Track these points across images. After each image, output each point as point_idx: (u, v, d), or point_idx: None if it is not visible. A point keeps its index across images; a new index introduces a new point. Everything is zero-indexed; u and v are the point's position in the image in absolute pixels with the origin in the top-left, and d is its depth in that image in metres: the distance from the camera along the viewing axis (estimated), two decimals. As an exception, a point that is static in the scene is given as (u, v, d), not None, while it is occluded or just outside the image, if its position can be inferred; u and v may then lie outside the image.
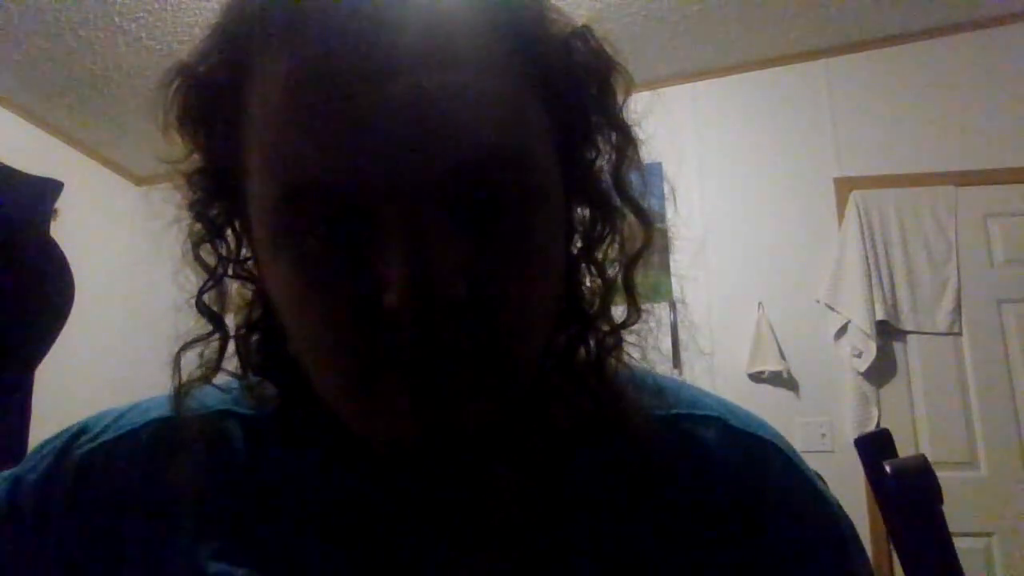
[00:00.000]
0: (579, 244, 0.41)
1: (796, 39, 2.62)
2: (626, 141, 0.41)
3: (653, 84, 2.73)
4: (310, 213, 0.32)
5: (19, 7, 2.12)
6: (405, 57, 0.31)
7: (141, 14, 2.20)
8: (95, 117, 2.76)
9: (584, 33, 0.39)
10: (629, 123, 0.41)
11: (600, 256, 0.41)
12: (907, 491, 0.42)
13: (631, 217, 0.41)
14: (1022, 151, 2.49)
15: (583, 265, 0.41)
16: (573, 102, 0.38)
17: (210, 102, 0.37)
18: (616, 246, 0.41)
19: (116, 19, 2.21)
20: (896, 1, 2.43)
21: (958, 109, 2.57)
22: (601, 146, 0.40)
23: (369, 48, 0.31)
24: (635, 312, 0.41)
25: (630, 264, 0.41)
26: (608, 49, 0.40)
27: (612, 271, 0.41)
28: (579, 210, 0.41)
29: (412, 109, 0.30)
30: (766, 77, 2.74)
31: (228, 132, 0.36)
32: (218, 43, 0.36)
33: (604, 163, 0.41)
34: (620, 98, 0.40)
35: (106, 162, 3.09)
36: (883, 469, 0.44)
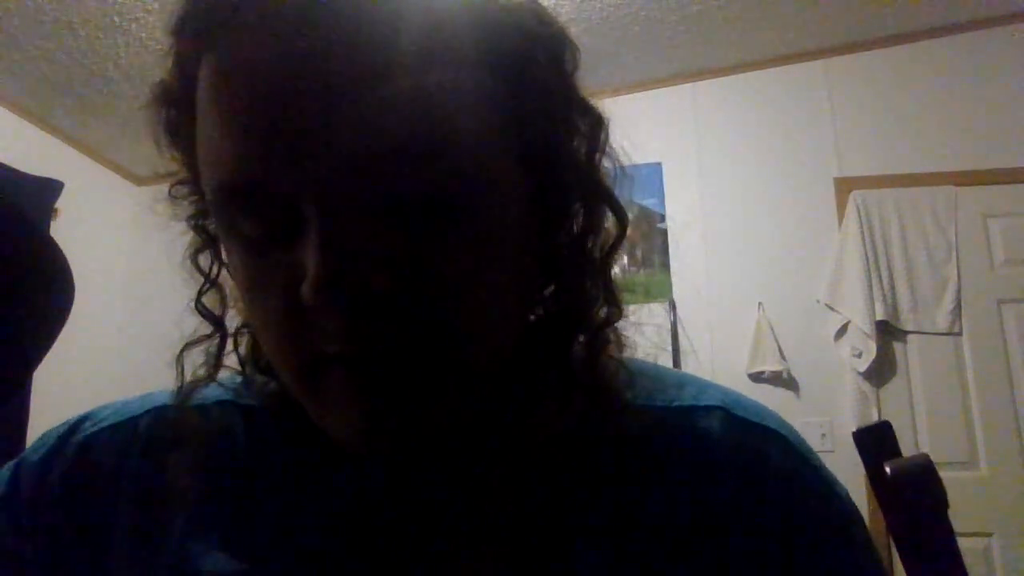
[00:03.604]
0: (559, 238, 0.40)
1: (796, 39, 2.62)
2: (594, 124, 0.40)
3: (653, 84, 2.73)
4: (242, 211, 0.33)
5: (19, 7, 2.12)
6: (324, 53, 0.30)
7: (141, 14, 2.20)
8: (95, 117, 2.76)
9: (534, 9, 0.38)
10: (590, 102, 0.40)
11: (582, 250, 0.40)
12: (910, 497, 0.41)
13: (606, 209, 0.40)
14: (1022, 151, 2.49)
15: (566, 260, 0.40)
16: (526, 84, 0.36)
17: (176, 113, 0.38)
18: (594, 239, 0.40)
19: (116, 19, 2.21)
20: (896, 1, 2.43)
21: (958, 109, 2.57)
22: (568, 131, 0.39)
23: (287, 44, 0.30)
24: (615, 308, 0.41)
25: (605, 258, 0.41)
26: (557, 23, 0.39)
27: (594, 265, 0.41)
28: (554, 202, 0.39)
29: (327, 104, 0.30)
30: (766, 77, 2.74)
31: (189, 140, 0.36)
32: (173, 56, 0.37)
33: (575, 150, 0.40)
34: (572, 65, 0.39)
35: (106, 162, 3.08)
36: (883, 469, 0.42)
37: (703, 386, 0.45)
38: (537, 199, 0.38)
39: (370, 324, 0.31)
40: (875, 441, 0.44)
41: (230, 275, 0.41)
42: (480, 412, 0.40)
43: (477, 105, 0.34)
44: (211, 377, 0.43)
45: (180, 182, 0.41)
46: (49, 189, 2.57)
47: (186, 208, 0.42)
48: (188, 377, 0.43)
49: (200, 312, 0.43)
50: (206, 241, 0.42)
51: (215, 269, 0.43)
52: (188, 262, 0.43)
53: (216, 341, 0.43)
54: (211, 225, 0.42)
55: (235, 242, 0.34)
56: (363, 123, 0.30)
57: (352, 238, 0.31)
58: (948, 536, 0.40)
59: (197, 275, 0.43)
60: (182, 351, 0.43)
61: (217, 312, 0.43)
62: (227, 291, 0.43)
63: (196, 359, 0.43)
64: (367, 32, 0.31)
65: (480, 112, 0.34)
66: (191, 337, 0.43)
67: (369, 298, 0.31)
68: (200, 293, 0.43)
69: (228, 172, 0.32)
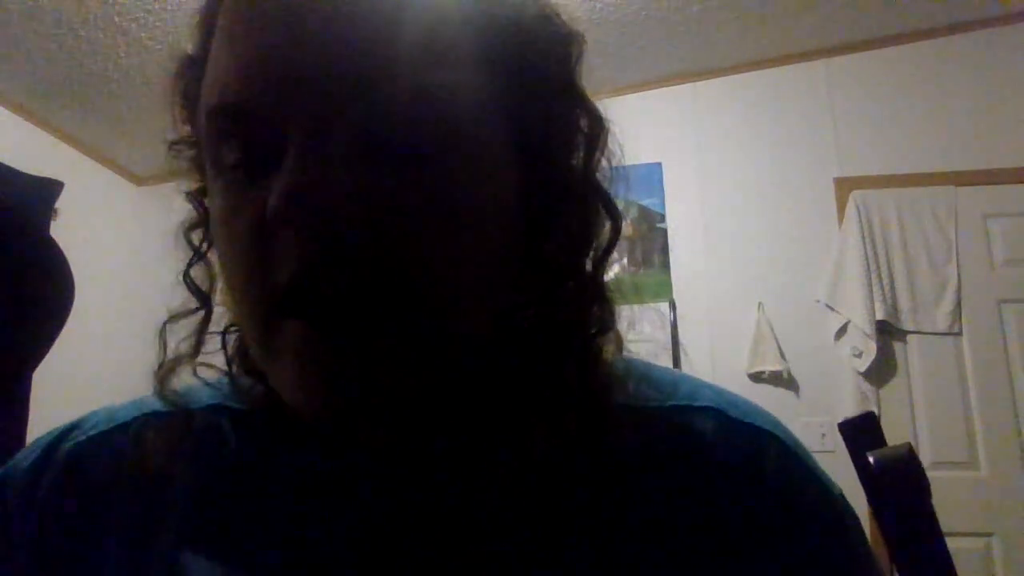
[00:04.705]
0: (551, 235, 0.40)
1: (796, 39, 2.62)
2: (594, 122, 0.40)
3: (653, 84, 2.73)
4: (230, 136, 0.33)
5: (19, 7, 2.12)
6: None
7: (141, 14, 2.20)
8: (95, 117, 2.76)
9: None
10: (592, 100, 0.40)
11: (575, 251, 0.40)
12: (893, 484, 0.41)
13: (601, 209, 0.40)
14: (1022, 151, 2.49)
15: (559, 260, 0.40)
16: (525, 60, 0.37)
17: (191, 75, 0.39)
18: (587, 239, 0.40)
19: (116, 19, 2.21)
20: (896, 1, 2.43)
21: (958, 109, 2.57)
22: (566, 123, 0.39)
23: None
24: (609, 314, 0.41)
25: (599, 260, 0.40)
26: (565, 17, 0.39)
27: (587, 268, 0.40)
28: (546, 193, 0.39)
29: (326, 33, 0.31)
30: (766, 77, 2.74)
31: (199, 99, 0.37)
32: (197, 20, 0.38)
33: (573, 143, 0.40)
34: (575, 62, 0.40)
35: (106, 162, 3.08)
36: (867, 459, 0.43)
37: (697, 386, 0.45)
38: (529, 185, 0.38)
39: (328, 253, 0.31)
40: (860, 432, 0.44)
41: (210, 226, 0.40)
42: (460, 403, 0.39)
43: (471, 67, 0.35)
44: (194, 354, 0.42)
45: (182, 141, 0.42)
46: (49, 189, 2.57)
47: (185, 187, 0.43)
48: (171, 354, 0.43)
49: (187, 285, 0.43)
50: (201, 217, 0.43)
51: (205, 246, 0.43)
52: (180, 236, 0.44)
53: (200, 318, 0.43)
54: (207, 201, 0.41)
55: (219, 180, 0.35)
56: (358, 56, 0.31)
57: (327, 164, 0.31)
58: (931, 522, 0.40)
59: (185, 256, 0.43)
60: (165, 324, 0.43)
61: (204, 288, 0.43)
62: (215, 270, 0.43)
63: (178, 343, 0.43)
64: None
65: (474, 73, 0.35)
66: (176, 310, 0.43)
67: (332, 224, 0.31)
68: (189, 265, 0.43)
69: (224, 93, 0.33)
